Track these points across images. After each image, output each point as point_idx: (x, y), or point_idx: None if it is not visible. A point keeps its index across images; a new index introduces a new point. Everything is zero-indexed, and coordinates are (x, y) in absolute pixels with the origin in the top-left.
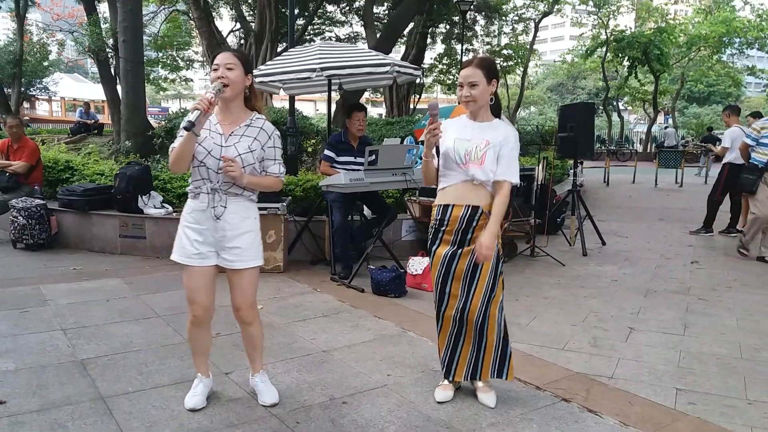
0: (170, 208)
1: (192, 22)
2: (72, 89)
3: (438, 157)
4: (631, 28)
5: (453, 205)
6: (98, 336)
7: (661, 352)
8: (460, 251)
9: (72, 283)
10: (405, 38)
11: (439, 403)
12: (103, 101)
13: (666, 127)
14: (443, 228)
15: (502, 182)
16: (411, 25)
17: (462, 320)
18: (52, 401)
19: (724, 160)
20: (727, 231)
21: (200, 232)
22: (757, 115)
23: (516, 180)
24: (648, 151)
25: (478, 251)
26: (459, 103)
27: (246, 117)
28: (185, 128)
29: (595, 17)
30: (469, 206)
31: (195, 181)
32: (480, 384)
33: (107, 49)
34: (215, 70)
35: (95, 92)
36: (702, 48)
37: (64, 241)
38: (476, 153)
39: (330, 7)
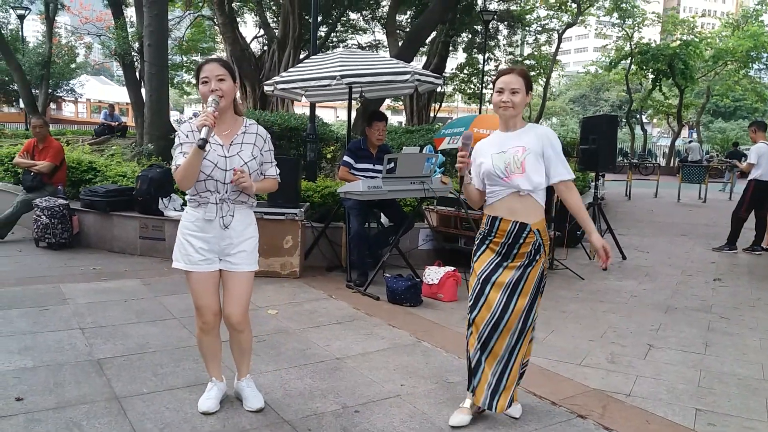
0: None
1: (216, 27)
2: (97, 91)
3: (473, 178)
4: (655, 41)
5: (501, 219)
6: (115, 336)
7: (681, 370)
8: (505, 263)
9: (91, 282)
10: (427, 47)
11: (452, 428)
12: (127, 104)
13: (690, 142)
14: (491, 237)
15: (563, 183)
16: (433, 33)
17: (493, 332)
18: (68, 400)
19: (750, 177)
20: (751, 249)
21: (206, 240)
22: None
23: (571, 175)
24: (671, 165)
25: (600, 253)
26: (491, 108)
27: (239, 124)
28: (199, 146)
29: (620, 29)
30: (516, 222)
31: (201, 193)
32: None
33: (133, 53)
34: (205, 82)
35: (120, 95)
36: (728, 62)
37: (85, 240)
38: (515, 162)
39: (353, 15)
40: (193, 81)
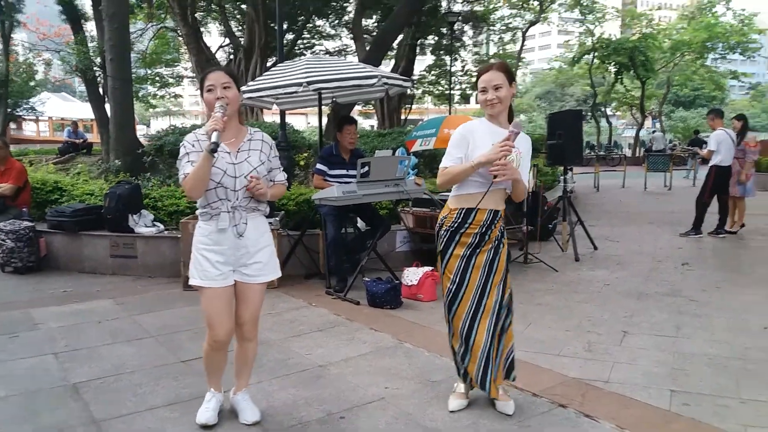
0: (161, 227)
1: (180, 38)
2: (59, 109)
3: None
4: (616, 35)
5: (478, 210)
6: (90, 359)
7: (655, 354)
8: (477, 252)
9: (63, 305)
10: (395, 50)
11: (451, 412)
12: (91, 120)
13: (654, 132)
14: (462, 230)
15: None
16: (400, 37)
17: (473, 321)
18: (44, 427)
19: (711, 163)
20: (716, 232)
21: (221, 252)
22: (741, 117)
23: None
24: (637, 155)
25: (505, 163)
26: (477, 106)
27: (244, 132)
28: (211, 151)
29: (581, 24)
30: (492, 210)
31: (212, 203)
32: (498, 392)
33: (95, 68)
34: (210, 90)
35: (83, 111)
36: (686, 53)
37: (54, 263)
38: (515, 162)
39: (319, 21)
40: (159, 94)
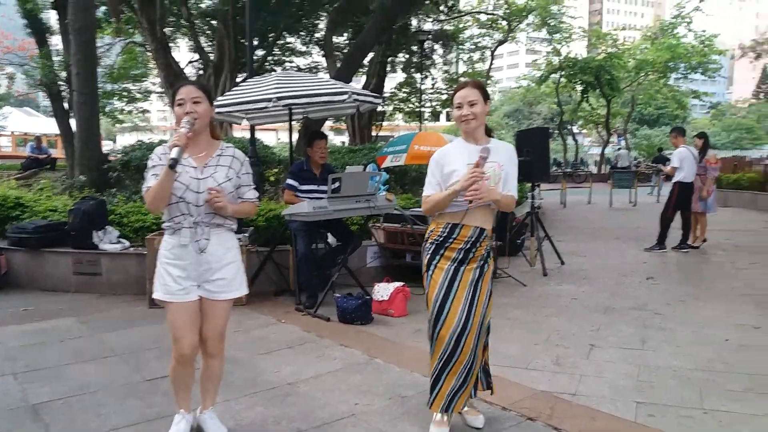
0: (127, 243)
1: (149, 53)
2: (22, 123)
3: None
4: (582, 55)
5: (463, 225)
6: (52, 378)
7: (621, 367)
8: (462, 268)
9: (23, 324)
10: (366, 68)
11: None
12: (55, 135)
13: (619, 149)
14: (447, 244)
15: (511, 197)
16: (371, 54)
17: (459, 341)
18: None
19: (674, 179)
20: (679, 247)
21: (183, 267)
22: (702, 136)
23: (516, 193)
24: (602, 172)
25: (477, 188)
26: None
27: (215, 147)
28: (170, 166)
29: (548, 44)
30: (477, 228)
31: (174, 218)
32: (466, 408)
33: (59, 82)
34: (180, 104)
35: (47, 126)
36: (649, 73)
37: (14, 280)
38: (495, 177)
39: (290, 38)
40: (126, 109)
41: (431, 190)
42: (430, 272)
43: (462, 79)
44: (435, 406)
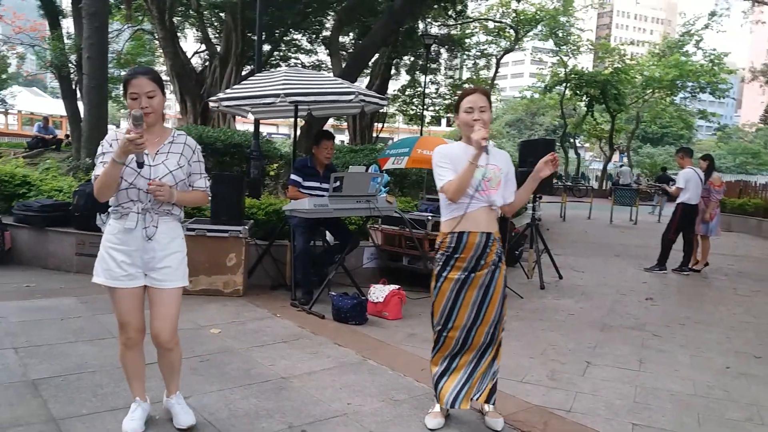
0: None
1: (157, 41)
2: (30, 103)
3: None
4: (588, 68)
5: (469, 233)
6: (51, 356)
7: (618, 386)
8: (472, 276)
9: (25, 300)
10: (370, 68)
11: (431, 430)
12: (61, 116)
13: (621, 166)
14: (456, 255)
15: (509, 205)
16: (376, 55)
17: (465, 342)
18: (1, 422)
19: (678, 200)
20: (679, 269)
21: (128, 253)
22: (707, 158)
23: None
24: (603, 188)
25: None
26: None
27: (167, 134)
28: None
29: (555, 55)
30: (484, 233)
31: (123, 203)
32: (488, 408)
33: (70, 65)
34: (134, 98)
35: (53, 107)
36: (656, 90)
37: (17, 257)
38: (495, 179)
39: (296, 35)
40: None
41: (450, 175)
42: (439, 283)
43: (467, 86)
44: (441, 401)
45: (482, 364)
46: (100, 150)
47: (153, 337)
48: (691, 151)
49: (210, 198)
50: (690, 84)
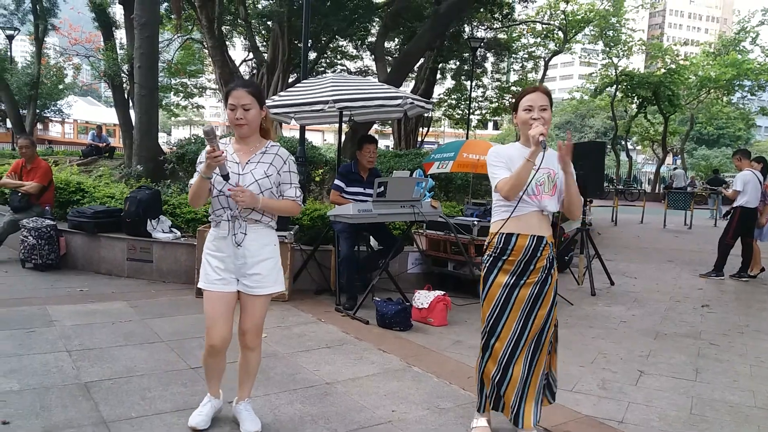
0: (178, 233)
1: (206, 50)
2: (84, 112)
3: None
4: (639, 69)
5: (518, 235)
6: (102, 359)
7: (672, 397)
8: (521, 282)
9: (78, 304)
10: (415, 72)
11: None
12: (114, 125)
13: (675, 168)
14: (504, 257)
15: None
16: (421, 60)
17: (513, 355)
18: (55, 424)
19: (736, 204)
20: (738, 275)
21: (222, 259)
22: (761, 160)
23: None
24: (656, 191)
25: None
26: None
27: (261, 145)
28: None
29: (605, 56)
30: (534, 236)
31: (216, 210)
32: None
33: (122, 75)
34: (232, 110)
35: (107, 116)
36: (712, 90)
37: (72, 262)
38: (549, 184)
39: (342, 41)
40: (182, 103)
41: (504, 173)
42: (487, 288)
43: (514, 89)
44: (506, 410)
45: (530, 380)
46: (199, 159)
47: (239, 335)
48: (749, 153)
49: (302, 207)
50: (748, 84)
